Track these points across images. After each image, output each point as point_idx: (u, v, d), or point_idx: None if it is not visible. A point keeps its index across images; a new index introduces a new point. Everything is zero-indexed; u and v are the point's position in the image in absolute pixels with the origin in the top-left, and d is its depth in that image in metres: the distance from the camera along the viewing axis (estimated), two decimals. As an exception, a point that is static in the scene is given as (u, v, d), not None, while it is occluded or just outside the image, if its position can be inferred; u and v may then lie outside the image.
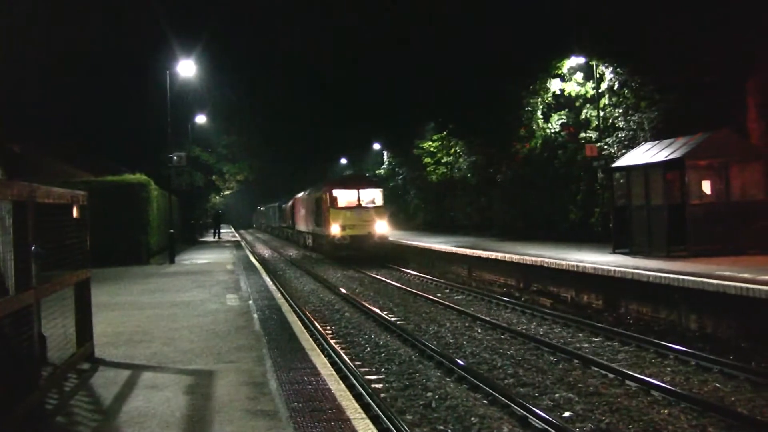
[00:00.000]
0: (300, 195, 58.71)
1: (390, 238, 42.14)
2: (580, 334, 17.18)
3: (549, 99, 36.07)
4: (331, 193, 41.79)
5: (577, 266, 21.54)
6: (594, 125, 32.25)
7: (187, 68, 36.42)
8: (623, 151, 28.41)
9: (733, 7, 23.92)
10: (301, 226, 57.00)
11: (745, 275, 16.04)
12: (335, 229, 40.44)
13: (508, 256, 26.57)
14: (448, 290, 26.67)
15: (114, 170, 35.29)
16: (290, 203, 66.72)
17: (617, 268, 19.56)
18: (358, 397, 10.59)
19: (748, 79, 24.86)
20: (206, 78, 50.98)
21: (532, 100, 36.87)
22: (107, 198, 28.49)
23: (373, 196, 42.21)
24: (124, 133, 42.56)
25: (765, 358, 13.67)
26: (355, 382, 12.63)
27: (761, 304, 14.27)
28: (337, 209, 41.15)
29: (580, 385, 12.54)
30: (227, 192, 78.69)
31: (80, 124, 39.52)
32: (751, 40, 23.84)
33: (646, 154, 23.66)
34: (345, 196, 41.94)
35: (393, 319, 20.31)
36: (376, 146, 74.95)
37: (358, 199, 41.53)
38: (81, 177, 33.35)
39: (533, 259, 24.60)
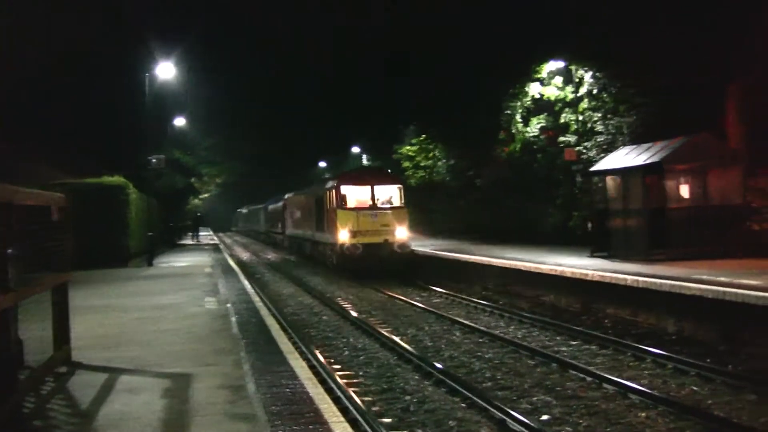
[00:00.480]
0: (293, 194, 52.19)
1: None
2: (558, 338, 17.21)
3: (528, 103, 36.17)
4: (338, 191, 34.11)
5: (555, 270, 21.61)
6: (573, 129, 32.38)
7: (166, 70, 36.32)
8: (602, 155, 28.53)
9: (714, 14, 24.09)
10: (296, 230, 49.57)
11: (722, 279, 16.14)
12: (343, 236, 32.79)
13: (486, 260, 26.60)
14: (426, 293, 26.66)
15: (93, 172, 35.12)
16: (280, 204, 59.03)
17: (595, 272, 19.64)
18: (336, 401, 10.58)
19: (728, 84, 25.04)
20: (187, 79, 50.77)
21: (511, 104, 36.99)
22: (86, 200, 28.32)
23: (390, 194, 34.51)
24: (104, 135, 42.19)
25: (741, 361, 13.74)
26: (333, 385, 12.60)
27: (738, 307, 14.36)
28: (346, 211, 33.50)
29: (558, 388, 12.56)
30: (206, 195, 78.40)
31: (60, 125, 39.23)
32: (731, 45, 24.01)
33: (625, 158, 23.77)
34: (356, 194, 34.38)
35: (372, 321, 20.31)
36: (356, 150, 74.90)
37: (373, 198, 33.65)
38: (60, 179, 33.17)
39: (512, 262, 24.65)
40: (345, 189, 34.33)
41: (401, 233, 33.02)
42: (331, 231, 34.51)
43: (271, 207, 68.32)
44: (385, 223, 32.97)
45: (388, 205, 33.95)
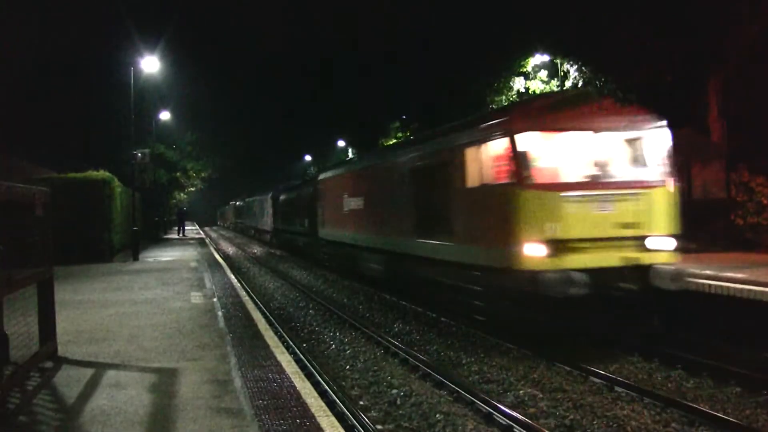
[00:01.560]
0: (343, 168, 31.14)
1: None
2: (545, 331, 17.21)
3: (513, 97, 36.18)
4: (512, 144, 14.19)
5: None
6: (558, 123, 32.38)
7: (151, 64, 36.14)
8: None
9: (692, 10, 24.14)
10: (348, 232, 27.89)
11: (708, 272, 16.17)
12: (533, 251, 13.74)
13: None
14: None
15: (77, 167, 34.97)
16: (310, 190, 38.04)
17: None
18: (323, 395, 10.57)
19: (710, 79, 25.10)
20: (171, 74, 50.57)
21: (496, 98, 36.97)
22: (71, 195, 28.17)
23: (636, 150, 15.45)
24: (88, 130, 41.99)
25: (726, 354, 13.77)
26: (320, 379, 12.59)
27: (723, 300, 14.41)
28: (537, 192, 13.92)
29: (544, 381, 12.58)
30: (192, 189, 78.23)
31: (43, 121, 39.01)
32: (711, 40, 24.07)
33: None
34: (556, 154, 14.93)
35: (357, 317, 20.25)
36: (341, 143, 74.60)
37: (600, 163, 14.98)
38: (44, 174, 33.02)
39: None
40: (530, 139, 14.40)
41: (665, 244, 14.63)
42: (486, 238, 15.28)
43: (285, 197, 48.68)
44: (628, 222, 14.31)
45: (630, 181, 14.80)
